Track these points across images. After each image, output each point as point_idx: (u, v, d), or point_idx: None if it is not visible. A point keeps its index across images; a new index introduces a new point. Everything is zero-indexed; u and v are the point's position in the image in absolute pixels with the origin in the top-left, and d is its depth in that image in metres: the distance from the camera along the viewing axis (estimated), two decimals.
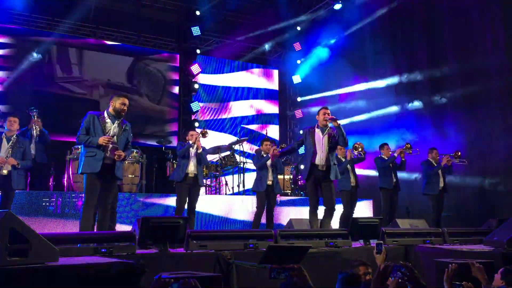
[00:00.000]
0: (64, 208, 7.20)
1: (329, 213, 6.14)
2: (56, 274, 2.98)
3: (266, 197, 7.32)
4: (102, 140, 5.08)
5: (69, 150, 8.35)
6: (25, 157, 6.38)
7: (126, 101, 5.35)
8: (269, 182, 7.31)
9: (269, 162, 7.36)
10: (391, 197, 8.18)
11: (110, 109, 5.31)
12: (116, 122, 5.29)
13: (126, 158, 5.42)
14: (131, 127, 5.49)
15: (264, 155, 7.47)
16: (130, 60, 12.15)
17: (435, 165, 8.25)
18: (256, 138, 13.15)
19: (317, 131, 6.27)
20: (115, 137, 5.24)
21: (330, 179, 6.19)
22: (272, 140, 8.89)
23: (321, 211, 6.22)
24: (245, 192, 9.77)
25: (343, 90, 12.12)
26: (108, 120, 5.27)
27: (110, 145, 5.17)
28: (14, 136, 6.35)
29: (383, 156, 8.38)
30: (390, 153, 8.37)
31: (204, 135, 6.99)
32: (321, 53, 12.80)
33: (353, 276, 2.98)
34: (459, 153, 8.27)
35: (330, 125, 6.24)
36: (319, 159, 6.16)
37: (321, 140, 6.21)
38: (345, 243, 5.52)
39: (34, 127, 7.75)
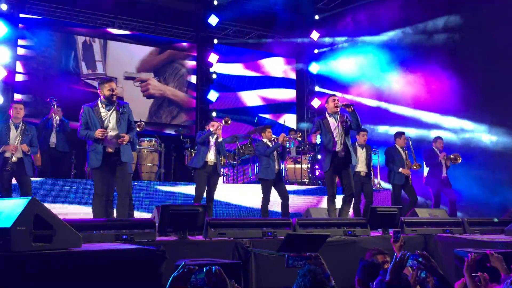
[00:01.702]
0: (85, 196, 7.32)
1: (348, 200, 6.17)
2: (79, 259, 3.03)
3: (274, 185, 7.22)
4: (97, 134, 5.08)
5: None
6: (32, 144, 6.41)
7: (113, 85, 5.24)
8: (276, 171, 7.24)
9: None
10: (404, 189, 8.05)
11: (102, 98, 5.26)
12: (113, 108, 5.24)
13: (132, 139, 5.38)
14: (129, 106, 5.40)
15: (269, 143, 7.39)
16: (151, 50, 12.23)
17: (439, 154, 8.13)
18: (273, 127, 13.13)
19: (330, 119, 6.26)
20: (113, 123, 5.19)
21: (349, 166, 6.20)
22: (292, 130, 8.83)
23: (338, 199, 6.23)
24: None
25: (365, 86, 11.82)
26: (102, 110, 5.22)
27: (109, 135, 5.14)
28: (22, 123, 6.35)
29: (397, 146, 8.16)
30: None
31: (227, 122, 7.01)
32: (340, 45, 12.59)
33: (374, 265, 2.98)
34: (459, 160, 8.06)
35: (340, 112, 6.25)
36: (338, 146, 6.17)
37: (336, 127, 6.21)
38: (363, 232, 5.51)
39: (54, 117, 7.88)
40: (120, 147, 5.20)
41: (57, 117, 7.94)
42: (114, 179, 5.27)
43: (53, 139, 7.92)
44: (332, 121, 6.25)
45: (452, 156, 8.10)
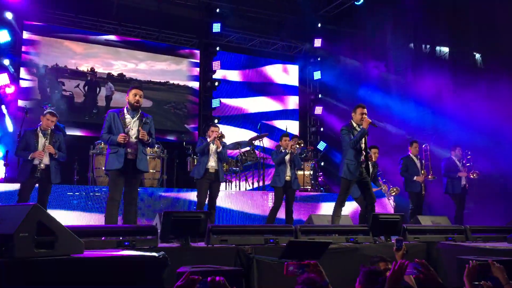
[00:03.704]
0: (87, 202, 7.34)
1: (371, 209, 6.24)
2: (81, 265, 3.03)
3: (284, 192, 7.32)
4: (119, 138, 5.18)
5: (92, 145, 8.50)
6: (60, 150, 6.35)
7: (139, 92, 5.35)
8: (288, 178, 7.30)
9: (287, 158, 7.34)
10: (418, 197, 8.03)
11: (128, 104, 5.39)
12: (136, 116, 5.35)
13: (149, 142, 5.42)
14: (152, 119, 5.53)
15: (283, 151, 7.46)
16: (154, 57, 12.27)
17: (458, 163, 8.09)
18: (276, 133, 13.14)
19: (358, 129, 6.23)
20: (134, 131, 5.29)
21: (367, 175, 6.32)
22: (295, 136, 8.86)
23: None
24: (265, 188, 9.79)
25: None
26: (127, 116, 5.34)
27: (130, 140, 5.24)
28: (49, 131, 6.23)
29: (411, 155, 8.12)
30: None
31: (220, 138, 6.94)
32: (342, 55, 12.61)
33: (376, 272, 2.97)
34: (475, 175, 8.06)
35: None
36: (363, 157, 6.25)
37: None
38: (366, 239, 5.50)
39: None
40: (138, 155, 5.29)
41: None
42: (126, 184, 5.32)
43: None
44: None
45: (473, 176, 8.07)
